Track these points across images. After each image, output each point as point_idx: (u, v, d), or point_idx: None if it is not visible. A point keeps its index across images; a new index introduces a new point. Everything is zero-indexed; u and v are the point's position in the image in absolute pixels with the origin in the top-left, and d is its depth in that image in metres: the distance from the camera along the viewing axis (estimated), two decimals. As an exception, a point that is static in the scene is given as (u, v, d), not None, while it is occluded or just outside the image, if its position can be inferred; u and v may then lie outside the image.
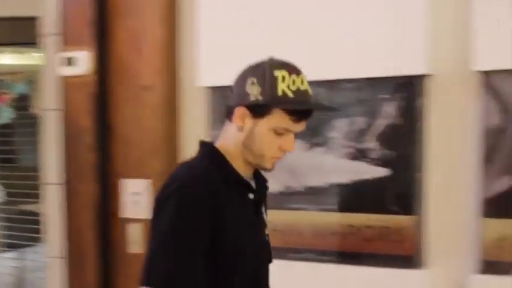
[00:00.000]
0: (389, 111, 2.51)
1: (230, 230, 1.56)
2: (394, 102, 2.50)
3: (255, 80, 1.60)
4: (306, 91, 1.61)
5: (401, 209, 2.50)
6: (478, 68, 2.34)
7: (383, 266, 2.52)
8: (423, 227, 2.50)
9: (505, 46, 2.26)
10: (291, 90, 1.57)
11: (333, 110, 2.15)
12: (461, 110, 2.42)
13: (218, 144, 1.71)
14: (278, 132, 1.61)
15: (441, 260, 2.50)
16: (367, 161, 2.56)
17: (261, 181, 1.81)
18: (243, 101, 1.63)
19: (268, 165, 1.68)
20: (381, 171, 2.53)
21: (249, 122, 1.63)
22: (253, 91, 1.60)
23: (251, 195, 1.70)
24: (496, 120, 2.34)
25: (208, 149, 1.71)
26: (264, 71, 1.59)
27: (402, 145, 2.50)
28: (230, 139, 1.69)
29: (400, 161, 2.51)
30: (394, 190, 2.51)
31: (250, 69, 1.64)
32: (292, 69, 1.61)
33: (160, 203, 1.56)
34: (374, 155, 2.55)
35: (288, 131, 1.62)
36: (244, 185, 1.69)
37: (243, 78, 1.64)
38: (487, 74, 2.33)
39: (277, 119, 1.60)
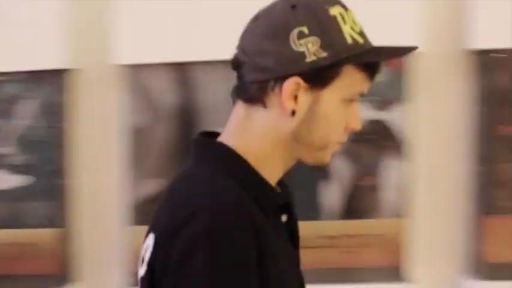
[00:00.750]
0: (27, 111, 2.21)
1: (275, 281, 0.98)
2: (32, 101, 2.20)
3: (305, 29, 0.98)
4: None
5: (46, 222, 2.21)
6: (123, 62, 2.16)
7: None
8: (70, 240, 2.23)
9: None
10: (357, 33, 1.01)
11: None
12: (108, 107, 2.22)
13: (235, 145, 1.02)
14: (349, 103, 1.03)
15: (94, 273, 2.26)
16: (3, 168, 2.22)
17: (284, 189, 1.13)
18: (295, 68, 0.98)
19: (329, 159, 1.07)
20: (20, 180, 2.21)
21: (305, 98, 1.00)
22: (309, 47, 0.98)
23: (284, 218, 1.08)
24: (143, 118, 2.18)
25: (223, 155, 1.02)
26: (316, 12, 0.98)
27: (43, 149, 2.21)
28: (260, 135, 1.03)
29: (42, 167, 2.21)
30: (37, 200, 2.20)
31: (286, 14, 0.98)
32: (341, 2, 1.03)
33: (179, 253, 0.91)
34: (11, 161, 2.22)
35: (361, 96, 1.05)
36: (281, 207, 1.08)
37: (278, 31, 0.98)
38: (132, 68, 2.17)
39: (350, 81, 1.01)
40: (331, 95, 1.00)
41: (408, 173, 2.27)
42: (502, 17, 2.20)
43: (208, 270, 0.87)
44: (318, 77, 0.98)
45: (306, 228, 2.26)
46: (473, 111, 2.27)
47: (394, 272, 2.29)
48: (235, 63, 1.01)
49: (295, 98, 0.98)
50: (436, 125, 2.30)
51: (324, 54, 0.97)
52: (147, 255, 0.95)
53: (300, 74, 0.97)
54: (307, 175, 2.30)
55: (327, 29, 0.97)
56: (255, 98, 0.99)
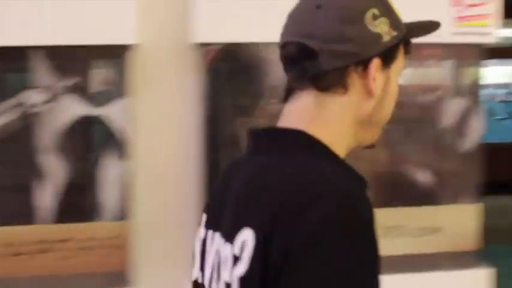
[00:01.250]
0: None
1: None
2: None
3: (376, 11, 0.97)
4: None
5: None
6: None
7: None
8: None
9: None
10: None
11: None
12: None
13: (310, 133, 0.96)
14: None
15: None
16: None
17: None
18: (374, 49, 0.96)
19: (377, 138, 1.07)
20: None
21: (381, 78, 0.98)
22: (383, 27, 0.97)
23: None
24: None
25: (314, 144, 0.96)
26: None
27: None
28: (332, 122, 0.97)
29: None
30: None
31: None
32: None
33: (311, 234, 0.82)
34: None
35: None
36: None
37: (355, 15, 0.96)
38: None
39: (401, 58, 1.03)
40: (395, 74, 1.01)
41: (129, 172, 2.17)
42: (225, 10, 2.18)
43: (346, 249, 0.82)
44: (390, 56, 0.99)
45: (16, 233, 2.10)
46: (200, 105, 2.23)
47: (118, 277, 2.18)
48: (301, 54, 0.95)
49: (375, 77, 0.97)
50: (159, 121, 2.23)
51: (394, 33, 0.98)
52: (247, 252, 0.87)
53: (378, 55, 0.96)
54: (21, 176, 2.13)
55: (390, 9, 0.99)
56: (333, 84, 0.95)
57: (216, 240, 0.96)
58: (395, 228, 2.36)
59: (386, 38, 0.97)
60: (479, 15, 2.31)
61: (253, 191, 0.92)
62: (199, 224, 1.04)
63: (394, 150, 2.39)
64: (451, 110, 2.40)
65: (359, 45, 0.95)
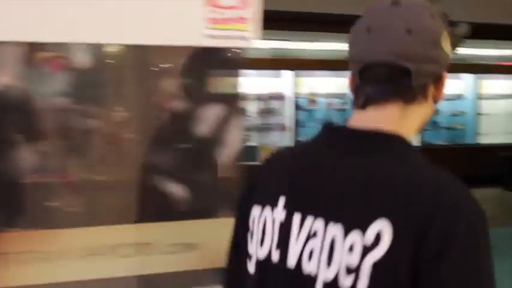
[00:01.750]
0: None
1: None
2: None
3: (445, 33, 1.15)
4: None
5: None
6: None
7: None
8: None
9: None
10: None
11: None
12: None
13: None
14: None
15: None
16: None
17: None
18: (446, 66, 1.18)
19: None
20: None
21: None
22: (448, 47, 1.16)
23: None
24: None
25: (409, 145, 1.14)
26: (440, 14, 1.17)
27: None
28: (409, 129, 1.17)
29: None
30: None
31: (435, 23, 1.15)
32: None
33: (465, 227, 0.99)
34: None
35: None
36: None
37: (437, 40, 1.14)
38: None
39: None
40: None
41: None
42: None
43: (487, 242, 1.00)
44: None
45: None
46: None
47: None
48: (397, 72, 1.11)
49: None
50: None
51: (450, 48, 1.17)
52: (385, 241, 0.97)
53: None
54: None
55: (446, 28, 1.16)
56: (418, 98, 1.15)
57: (312, 222, 1.06)
58: (145, 246, 2.17)
59: (450, 55, 1.17)
60: (236, 18, 2.18)
61: (380, 186, 1.03)
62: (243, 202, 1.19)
63: (144, 160, 2.21)
64: (208, 118, 2.26)
65: (440, 65, 1.16)
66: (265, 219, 1.13)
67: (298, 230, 1.07)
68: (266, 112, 10.25)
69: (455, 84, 11.43)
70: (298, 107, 10.37)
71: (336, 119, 10.66)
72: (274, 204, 1.12)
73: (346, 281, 0.99)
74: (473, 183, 3.07)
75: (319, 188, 1.08)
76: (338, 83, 10.73)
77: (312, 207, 1.07)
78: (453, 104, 11.29)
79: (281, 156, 1.23)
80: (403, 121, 1.14)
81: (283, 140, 10.32)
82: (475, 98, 11.48)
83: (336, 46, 9.30)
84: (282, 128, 10.33)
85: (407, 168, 1.06)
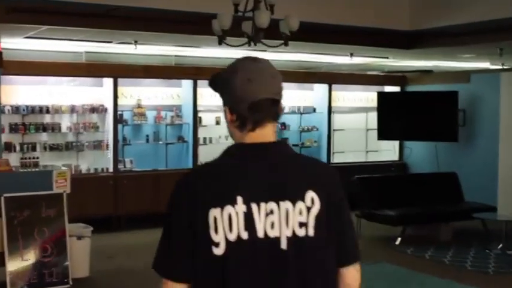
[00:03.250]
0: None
1: None
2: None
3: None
4: None
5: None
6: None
7: None
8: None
9: None
10: None
11: None
12: None
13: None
14: None
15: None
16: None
17: None
18: None
19: None
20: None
21: None
22: None
23: None
24: None
25: (290, 146, 1.96)
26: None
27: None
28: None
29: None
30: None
31: None
32: None
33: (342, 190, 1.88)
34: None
35: None
36: None
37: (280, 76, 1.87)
38: None
39: None
40: None
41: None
42: None
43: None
44: None
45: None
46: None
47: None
48: (274, 103, 1.81)
49: None
50: None
51: None
52: (317, 202, 1.75)
53: None
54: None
55: None
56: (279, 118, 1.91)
57: (266, 206, 1.70)
58: None
59: None
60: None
61: (295, 171, 1.78)
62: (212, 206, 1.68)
63: None
64: None
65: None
66: (230, 213, 1.69)
67: (258, 213, 1.70)
68: (82, 127, 8.58)
69: (306, 96, 10.42)
70: (120, 121, 8.78)
71: (168, 134, 9.20)
72: (234, 203, 1.69)
73: (300, 232, 1.72)
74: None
75: (261, 184, 1.73)
76: (168, 93, 9.31)
77: (262, 197, 1.71)
78: (304, 118, 10.27)
79: (206, 173, 1.78)
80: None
81: (101, 161, 8.69)
82: (328, 112, 10.37)
83: (163, 50, 7.86)
84: (100, 146, 8.70)
85: (308, 159, 1.88)
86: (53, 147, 8.39)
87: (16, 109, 8.12)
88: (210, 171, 1.77)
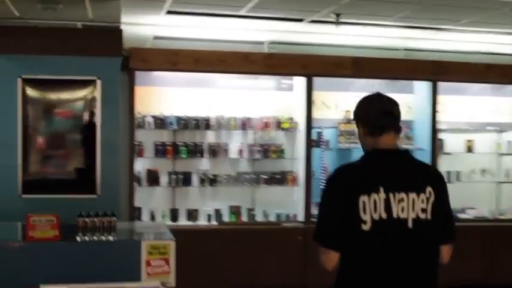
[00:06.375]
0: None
1: None
2: None
3: None
4: None
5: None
6: None
7: None
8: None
9: None
10: None
11: None
12: None
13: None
14: None
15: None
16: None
17: None
18: None
19: None
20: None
21: None
22: None
23: None
24: None
25: (411, 153, 2.61)
26: None
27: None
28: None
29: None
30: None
31: None
32: None
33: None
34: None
35: None
36: None
37: None
38: None
39: None
40: None
41: None
42: None
43: None
44: None
45: None
46: None
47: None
48: (397, 119, 2.36)
49: None
50: None
51: None
52: (433, 195, 2.27)
53: None
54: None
55: None
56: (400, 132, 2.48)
57: (399, 195, 2.22)
58: None
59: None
60: None
61: (417, 170, 2.33)
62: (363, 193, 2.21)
63: None
64: None
65: None
66: (375, 199, 2.21)
67: (394, 200, 2.21)
68: (259, 151, 5.71)
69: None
70: (317, 143, 5.77)
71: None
72: (378, 191, 2.21)
73: (422, 215, 2.24)
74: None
75: (395, 179, 2.25)
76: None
77: (397, 188, 2.22)
78: None
79: (356, 168, 2.32)
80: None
81: (285, 203, 5.73)
82: None
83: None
84: (284, 180, 5.73)
85: (423, 163, 2.38)
86: (214, 180, 5.62)
87: (161, 122, 5.51)
88: (357, 168, 2.32)
